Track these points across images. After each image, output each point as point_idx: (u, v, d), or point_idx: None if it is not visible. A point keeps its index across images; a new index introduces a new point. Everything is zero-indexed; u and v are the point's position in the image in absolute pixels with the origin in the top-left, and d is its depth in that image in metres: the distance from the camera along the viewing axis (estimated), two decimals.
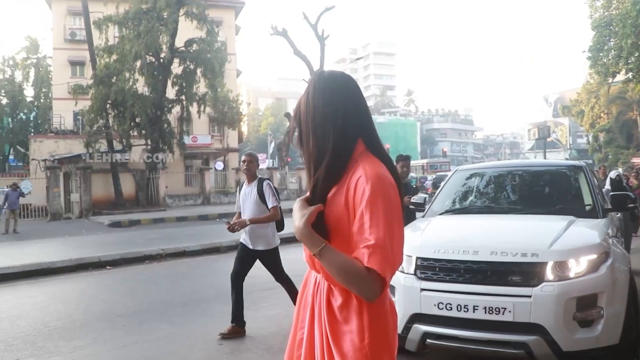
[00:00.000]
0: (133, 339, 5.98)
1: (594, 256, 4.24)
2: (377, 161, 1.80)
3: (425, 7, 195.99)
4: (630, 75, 25.98)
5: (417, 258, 4.62)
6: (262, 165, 51.72)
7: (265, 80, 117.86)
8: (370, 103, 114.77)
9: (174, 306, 7.52)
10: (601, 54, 28.65)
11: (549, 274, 4.14)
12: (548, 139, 54.29)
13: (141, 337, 6.07)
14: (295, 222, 1.79)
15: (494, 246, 4.43)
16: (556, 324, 3.99)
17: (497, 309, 4.14)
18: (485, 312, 4.17)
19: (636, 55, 22.79)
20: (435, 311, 4.37)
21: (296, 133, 1.95)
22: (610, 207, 5.80)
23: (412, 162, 51.49)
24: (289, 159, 41.06)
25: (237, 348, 5.59)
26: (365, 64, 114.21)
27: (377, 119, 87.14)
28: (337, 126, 1.82)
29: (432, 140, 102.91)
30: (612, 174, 8.12)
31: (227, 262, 11.34)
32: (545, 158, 46.22)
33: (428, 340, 4.41)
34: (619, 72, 28.68)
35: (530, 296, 4.09)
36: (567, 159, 50.53)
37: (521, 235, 4.79)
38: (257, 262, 6.37)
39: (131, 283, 9.48)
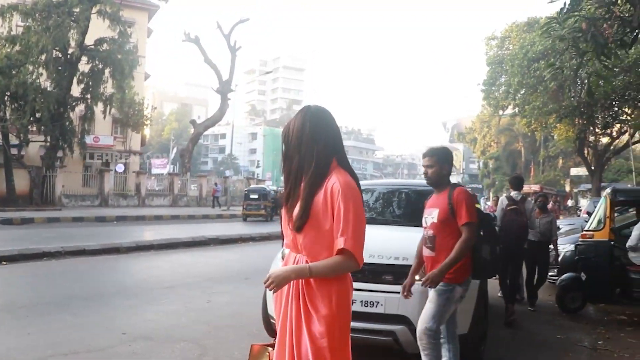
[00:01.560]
0: (37, 328, 6.17)
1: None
2: (346, 173, 2.51)
3: (336, 28, 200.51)
4: (517, 109, 28.23)
5: None
6: (163, 171, 51.03)
7: (172, 84, 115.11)
8: (275, 116, 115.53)
9: (76, 300, 7.71)
10: (493, 88, 30.95)
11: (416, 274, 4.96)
12: None
13: (45, 326, 6.26)
14: (281, 278, 2.40)
15: (372, 250, 5.20)
16: (419, 316, 4.80)
17: (372, 303, 4.92)
18: (362, 305, 4.93)
19: (522, 92, 24.89)
20: None
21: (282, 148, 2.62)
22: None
23: None
24: (190, 166, 40.84)
25: (140, 336, 5.98)
26: (274, 77, 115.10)
27: (281, 131, 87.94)
28: (318, 149, 2.50)
29: None
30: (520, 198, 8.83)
31: (128, 262, 11.63)
32: None
33: None
34: (507, 106, 31.07)
35: (399, 292, 4.89)
36: (459, 182, 53.49)
37: (396, 243, 5.60)
38: (150, 262, 6.77)
39: (31, 278, 9.53)
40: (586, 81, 7.51)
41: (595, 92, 7.26)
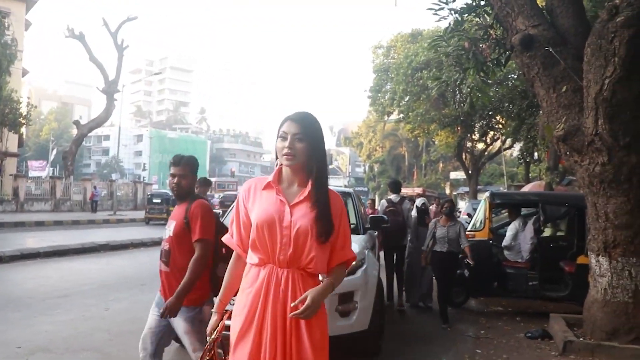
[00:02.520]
0: None
1: (353, 262, 5.50)
2: None
3: (225, 27, 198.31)
4: (401, 116, 29.55)
5: None
6: (41, 174, 48.21)
7: (52, 82, 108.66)
8: (162, 118, 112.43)
9: None
10: (379, 95, 32.16)
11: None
12: (330, 166, 58.72)
13: None
14: (317, 303, 2.38)
15: None
16: None
17: None
18: None
19: (406, 99, 26.15)
20: None
21: (300, 145, 2.39)
22: (369, 226, 7.28)
23: None
24: (73, 169, 38.92)
25: (37, 349, 5.76)
26: (161, 78, 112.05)
27: (168, 134, 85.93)
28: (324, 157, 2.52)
29: (221, 160, 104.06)
30: (418, 202, 9.27)
31: (13, 272, 11.06)
32: None
33: None
34: (392, 112, 32.44)
35: None
36: (345, 185, 55.08)
37: None
38: (38, 270, 6.54)
39: None
40: (469, 94, 8.24)
41: (476, 104, 8.01)
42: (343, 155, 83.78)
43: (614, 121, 5.68)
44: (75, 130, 41.35)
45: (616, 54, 5.48)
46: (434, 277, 8.28)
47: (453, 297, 8.55)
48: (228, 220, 7.06)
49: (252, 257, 2.48)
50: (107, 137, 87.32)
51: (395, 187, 8.95)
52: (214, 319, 2.65)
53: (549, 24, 6.56)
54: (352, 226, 6.89)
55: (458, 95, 16.58)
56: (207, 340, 2.65)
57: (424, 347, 6.41)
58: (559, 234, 10.86)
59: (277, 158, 2.48)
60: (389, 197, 8.91)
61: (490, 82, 8.54)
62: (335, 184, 63.96)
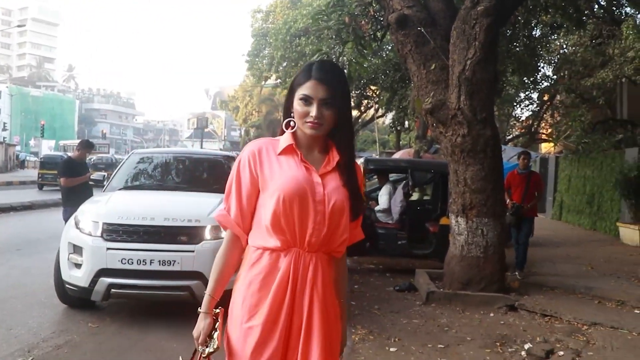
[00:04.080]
0: None
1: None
2: None
3: None
4: (279, 81, 29.85)
5: (104, 223, 5.60)
6: None
7: None
8: (23, 74, 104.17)
9: None
10: (257, 60, 32.19)
11: (207, 234, 5.59)
12: (205, 129, 57.98)
13: None
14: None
15: (167, 214, 5.71)
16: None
17: (169, 262, 5.42)
18: (160, 265, 5.41)
19: (284, 65, 26.46)
20: (119, 266, 5.42)
21: (328, 112, 1.99)
22: None
23: (68, 142, 49.17)
24: None
25: None
26: (21, 30, 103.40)
27: (31, 92, 80.00)
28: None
29: (91, 121, 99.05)
30: None
31: None
32: (202, 147, 49.27)
33: (113, 290, 5.44)
34: (270, 77, 32.65)
35: (193, 251, 5.48)
36: (221, 149, 54.65)
37: (187, 206, 6.14)
38: None
39: None
40: (347, 65, 8.74)
41: (353, 76, 8.55)
42: (219, 119, 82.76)
43: (473, 98, 6.42)
44: None
45: (477, 39, 6.20)
46: None
47: None
48: (112, 187, 7.11)
49: (265, 239, 2.01)
50: None
51: None
52: (204, 322, 2.05)
53: (422, 5, 7.17)
54: None
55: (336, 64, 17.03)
56: (200, 350, 2.04)
57: None
58: (425, 197, 11.87)
59: (285, 116, 2.10)
60: None
61: (367, 54, 9.10)
62: (211, 147, 63.36)
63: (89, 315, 5.79)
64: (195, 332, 2.05)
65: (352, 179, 2.05)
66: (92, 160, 33.36)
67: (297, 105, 1.99)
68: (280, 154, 2.03)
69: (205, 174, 7.74)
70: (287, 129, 2.07)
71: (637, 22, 16.42)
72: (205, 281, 5.25)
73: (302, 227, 1.96)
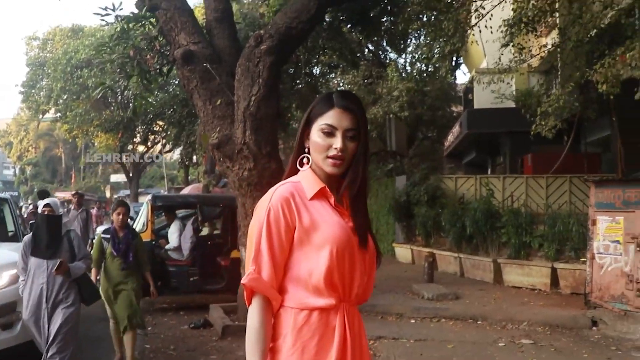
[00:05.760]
0: None
1: (14, 271, 5.30)
2: None
3: None
4: (58, 115, 27.98)
5: None
6: None
7: None
8: None
9: None
10: (34, 91, 29.88)
11: None
12: None
13: None
14: None
15: None
16: None
17: None
18: None
19: (64, 98, 24.89)
20: None
21: (352, 145, 1.84)
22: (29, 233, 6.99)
23: None
24: None
25: None
26: None
27: None
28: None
29: None
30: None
31: None
32: None
33: None
34: (48, 111, 30.45)
35: None
36: None
37: None
38: None
39: None
40: (131, 100, 8.52)
41: (139, 111, 8.38)
42: None
43: (258, 133, 6.65)
44: None
45: (260, 76, 6.48)
46: None
47: None
48: None
49: (313, 298, 1.79)
50: None
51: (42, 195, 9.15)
52: None
53: (207, 42, 7.30)
54: (11, 233, 6.56)
55: (120, 98, 16.49)
56: None
57: (96, 351, 6.44)
58: (215, 232, 11.91)
59: (299, 152, 1.90)
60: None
61: (152, 88, 8.97)
62: None
63: None
64: None
65: (368, 220, 1.92)
66: None
67: (318, 138, 1.81)
68: (312, 198, 1.82)
69: None
70: (300, 166, 1.88)
71: (399, 66, 18.80)
72: None
73: (351, 281, 1.81)
